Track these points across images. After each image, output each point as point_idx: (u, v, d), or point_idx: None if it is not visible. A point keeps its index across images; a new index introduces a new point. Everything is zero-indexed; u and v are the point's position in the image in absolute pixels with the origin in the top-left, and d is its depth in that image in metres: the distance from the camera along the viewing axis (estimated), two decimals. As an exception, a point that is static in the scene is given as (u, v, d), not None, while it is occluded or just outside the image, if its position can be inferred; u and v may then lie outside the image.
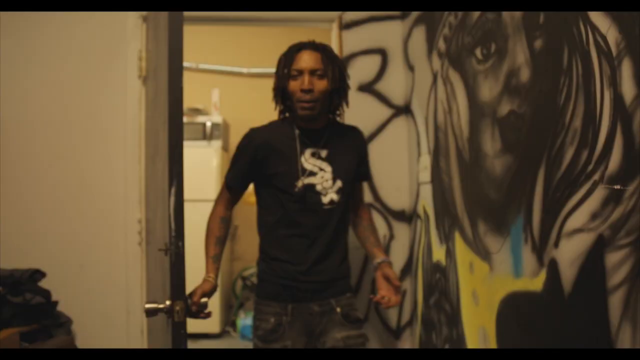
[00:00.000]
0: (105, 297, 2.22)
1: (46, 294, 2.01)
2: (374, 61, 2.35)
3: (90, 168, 2.26)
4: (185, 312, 1.29)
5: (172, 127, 1.28)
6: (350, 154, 1.75)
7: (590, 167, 1.00)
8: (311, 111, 1.60)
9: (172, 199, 1.27)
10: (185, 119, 2.71)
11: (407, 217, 2.32)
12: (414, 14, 2.19)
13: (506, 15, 1.40)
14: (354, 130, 1.83)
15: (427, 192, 2.05)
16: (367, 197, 2.29)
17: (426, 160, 2.04)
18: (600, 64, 0.97)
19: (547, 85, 1.18)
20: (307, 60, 1.59)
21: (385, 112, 2.34)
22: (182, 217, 1.27)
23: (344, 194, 1.68)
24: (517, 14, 1.33)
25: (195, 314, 1.43)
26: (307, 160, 1.66)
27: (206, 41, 4.56)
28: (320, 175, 1.66)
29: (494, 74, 1.48)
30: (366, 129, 2.31)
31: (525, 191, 1.27)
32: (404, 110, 2.34)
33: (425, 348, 2.10)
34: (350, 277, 1.86)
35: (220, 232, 1.67)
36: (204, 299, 1.45)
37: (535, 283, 1.21)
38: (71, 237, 2.22)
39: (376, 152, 2.29)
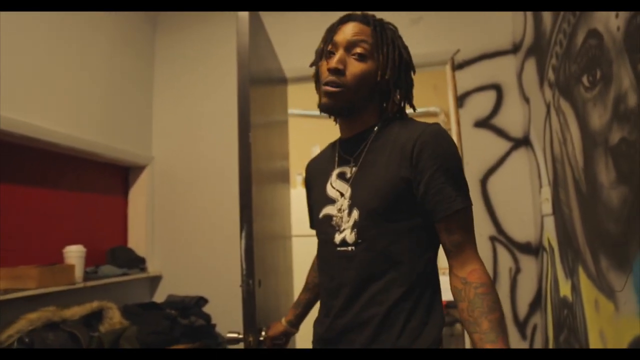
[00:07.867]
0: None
1: (207, 317, 2.43)
2: (489, 97, 2.36)
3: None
4: (258, 344, 1.34)
5: (242, 175, 1.37)
6: (388, 166, 1.06)
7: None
8: (333, 99, 1.09)
9: (243, 241, 1.36)
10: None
11: (534, 249, 2.22)
12: (525, 47, 2.17)
13: (608, 39, 1.36)
14: (413, 127, 1.08)
15: (550, 225, 1.96)
16: (489, 230, 2.26)
17: (547, 192, 1.97)
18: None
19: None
20: (346, 32, 1.11)
21: (503, 145, 2.31)
22: (252, 257, 1.35)
23: (367, 231, 1.05)
24: (618, 37, 1.29)
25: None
26: (333, 183, 1.16)
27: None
28: (339, 203, 1.12)
29: (602, 101, 1.43)
30: (486, 163, 2.31)
31: (642, 224, 1.19)
32: (523, 142, 2.28)
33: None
34: None
35: (310, 278, 1.47)
36: (276, 341, 1.43)
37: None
38: (229, 269, 2.57)
39: (498, 185, 2.28)
